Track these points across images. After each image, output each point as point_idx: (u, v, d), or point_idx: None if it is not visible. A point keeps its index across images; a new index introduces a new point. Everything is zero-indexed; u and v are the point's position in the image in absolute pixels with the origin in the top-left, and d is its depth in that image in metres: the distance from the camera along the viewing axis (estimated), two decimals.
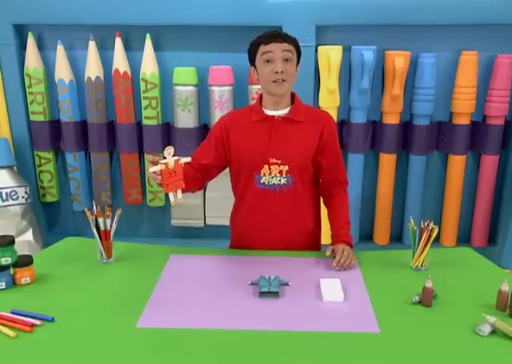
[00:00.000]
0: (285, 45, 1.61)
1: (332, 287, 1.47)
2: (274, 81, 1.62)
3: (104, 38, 2.94)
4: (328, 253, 1.70)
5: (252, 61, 1.69)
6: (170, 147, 1.47)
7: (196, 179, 1.76)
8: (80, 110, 3.07)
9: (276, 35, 1.62)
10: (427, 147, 3.01)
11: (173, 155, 1.48)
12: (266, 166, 1.71)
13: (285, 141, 1.70)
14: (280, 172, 1.71)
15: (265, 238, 1.81)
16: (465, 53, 2.84)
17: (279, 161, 1.70)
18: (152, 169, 1.48)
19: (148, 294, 1.46)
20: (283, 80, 1.62)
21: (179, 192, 1.45)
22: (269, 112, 1.72)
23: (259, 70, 1.66)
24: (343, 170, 1.85)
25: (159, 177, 1.49)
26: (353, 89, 2.91)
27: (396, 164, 3.06)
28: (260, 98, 1.75)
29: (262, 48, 1.62)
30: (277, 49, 1.60)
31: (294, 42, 1.65)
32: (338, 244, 1.72)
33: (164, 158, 1.48)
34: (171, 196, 1.42)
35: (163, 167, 1.46)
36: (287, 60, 1.62)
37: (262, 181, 1.72)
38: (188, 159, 1.54)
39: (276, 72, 1.60)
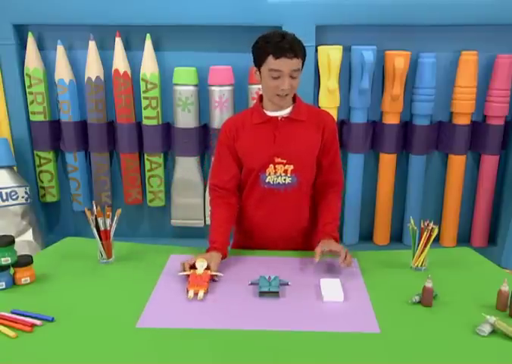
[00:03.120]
0: (295, 62, 1.57)
1: (332, 287, 1.47)
2: (278, 95, 1.63)
3: (104, 38, 2.94)
4: (318, 251, 1.62)
5: (257, 64, 1.66)
6: (203, 261, 1.54)
7: (233, 212, 1.81)
8: (80, 110, 3.07)
9: (286, 48, 1.54)
10: (427, 147, 3.01)
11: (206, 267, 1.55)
12: (271, 165, 1.72)
13: (289, 140, 1.71)
14: (285, 171, 1.72)
15: (269, 237, 1.82)
16: (465, 53, 2.83)
17: (285, 161, 1.71)
18: (181, 274, 1.53)
19: (148, 294, 1.46)
20: (286, 95, 1.63)
21: (201, 292, 1.44)
22: (271, 113, 1.73)
23: (264, 79, 1.64)
24: (340, 170, 1.85)
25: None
26: (353, 89, 2.91)
27: (396, 164, 3.06)
28: (261, 98, 1.75)
29: (270, 62, 1.57)
30: (286, 68, 1.57)
31: (302, 52, 1.60)
32: (326, 239, 1.69)
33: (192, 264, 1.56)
34: (191, 292, 1.44)
35: (190, 272, 1.52)
36: (293, 76, 1.60)
37: (267, 180, 1.73)
38: (220, 275, 1.55)
39: (282, 89, 1.60)
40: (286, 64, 1.56)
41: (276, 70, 1.58)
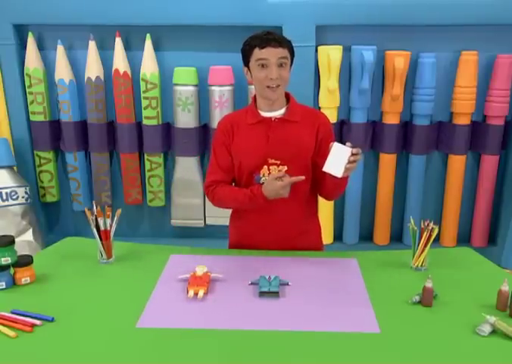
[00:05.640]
0: (280, 51, 1.60)
1: (338, 158, 1.51)
2: (268, 87, 1.63)
3: (104, 38, 2.94)
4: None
5: (246, 62, 1.68)
6: (203, 266, 1.56)
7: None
8: (80, 110, 3.07)
9: (271, 38, 1.60)
10: (427, 147, 3.01)
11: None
12: (265, 167, 1.71)
13: (283, 141, 1.70)
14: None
15: (265, 239, 1.81)
16: (465, 53, 2.84)
17: (278, 162, 1.70)
18: (181, 277, 1.54)
19: (148, 294, 1.46)
20: (278, 86, 1.63)
21: (201, 292, 1.45)
22: (264, 114, 1.72)
23: (253, 73, 1.66)
24: None
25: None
26: (353, 89, 2.91)
27: (396, 164, 3.06)
28: (255, 99, 1.75)
29: (257, 53, 1.61)
30: (272, 55, 1.59)
31: (288, 45, 1.64)
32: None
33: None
34: (191, 292, 1.45)
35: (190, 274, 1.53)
36: (281, 65, 1.62)
37: (261, 182, 1.72)
38: (219, 276, 1.55)
39: (271, 78, 1.61)
40: (272, 53, 1.59)
41: (263, 59, 1.60)
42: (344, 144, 1.57)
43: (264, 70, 1.61)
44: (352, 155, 1.55)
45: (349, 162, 1.55)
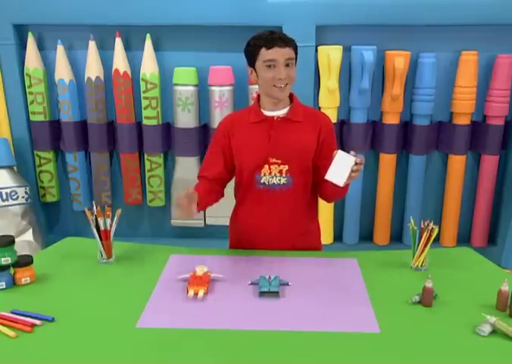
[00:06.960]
0: (287, 51, 1.61)
1: (341, 167, 1.49)
2: (275, 86, 1.63)
3: (104, 38, 2.94)
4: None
5: (251, 63, 1.68)
6: (204, 266, 1.56)
7: (214, 191, 1.79)
8: (80, 110, 3.07)
9: (276, 38, 1.60)
10: (427, 147, 3.01)
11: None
12: (266, 166, 1.71)
13: (284, 141, 1.71)
14: (280, 172, 1.71)
15: (265, 238, 1.81)
16: (465, 53, 2.84)
17: (279, 161, 1.71)
18: (181, 277, 1.54)
19: (148, 294, 1.46)
20: (285, 85, 1.64)
21: (201, 292, 1.46)
22: (267, 113, 1.72)
23: (260, 74, 1.66)
24: None
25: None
26: (353, 89, 2.91)
27: (396, 164, 3.06)
28: (258, 98, 1.75)
29: (264, 54, 1.61)
30: (280, 56, 1.60)
31: (293, 44, 1.65)
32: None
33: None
34: (191, 292, 1.45)
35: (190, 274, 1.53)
36: (288, 64, 1.63)
37: (262, 181, 1.73)
38: (219, 276, 1.56)
39: (280, 78, 1.61)
40: (279, 53, 1.60)
41: (271, 60, 1.61)
42: (348, 152, 1.55)
43: (272, 71, 1.62)
44: (356, 164, 1.54)
45: (352, 171, 1.54)
